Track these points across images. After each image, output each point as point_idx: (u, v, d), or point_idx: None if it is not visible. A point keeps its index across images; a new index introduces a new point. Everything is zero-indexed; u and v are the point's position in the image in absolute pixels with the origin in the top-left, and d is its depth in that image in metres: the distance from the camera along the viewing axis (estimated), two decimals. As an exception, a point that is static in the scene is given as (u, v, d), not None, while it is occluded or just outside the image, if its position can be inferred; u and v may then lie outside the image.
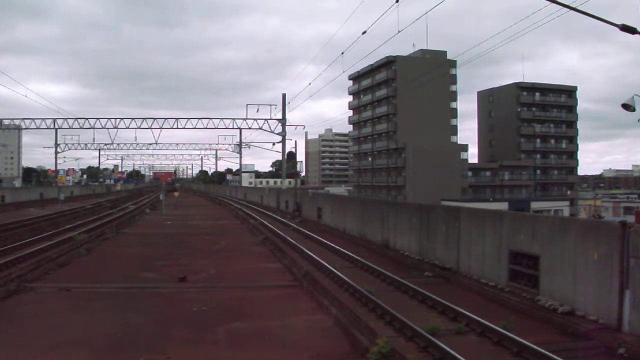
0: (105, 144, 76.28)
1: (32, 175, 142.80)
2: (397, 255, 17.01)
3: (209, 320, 10.21)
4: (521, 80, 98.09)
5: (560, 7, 11.47)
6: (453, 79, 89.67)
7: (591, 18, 10.98)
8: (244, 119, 48.60)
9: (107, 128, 51.93)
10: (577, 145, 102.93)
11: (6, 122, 55.79)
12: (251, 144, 73.37)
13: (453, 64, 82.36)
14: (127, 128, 52.68)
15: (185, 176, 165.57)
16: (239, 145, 73.56)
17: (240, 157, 77.60)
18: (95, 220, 30.05)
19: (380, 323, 9.15)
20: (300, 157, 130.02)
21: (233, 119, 50.73)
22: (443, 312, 9.76)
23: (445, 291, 11.40)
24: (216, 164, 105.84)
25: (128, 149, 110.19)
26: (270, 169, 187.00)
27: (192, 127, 51.46)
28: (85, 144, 75.10)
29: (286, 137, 47.32)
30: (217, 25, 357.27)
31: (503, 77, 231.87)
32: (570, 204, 77.96)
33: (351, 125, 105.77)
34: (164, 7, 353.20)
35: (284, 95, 46.50)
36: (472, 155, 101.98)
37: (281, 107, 46.22)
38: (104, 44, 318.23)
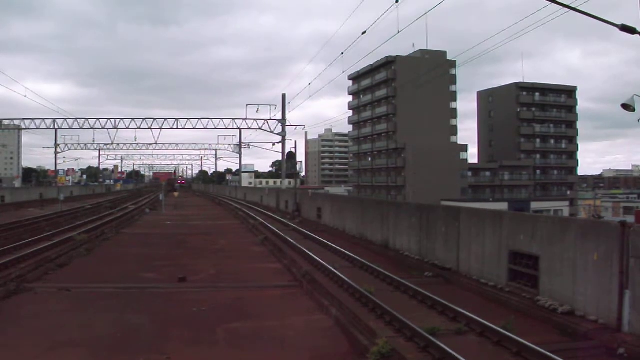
0: (105, 144, 76.42)
1: (32, 176, 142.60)
2: (397, 256, 17.01)
3: (209, 321, 10.21)
4: (522, 79, 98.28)
5: (561, 6, 11.45)
6: (453, 79, 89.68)
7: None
8: (244, 119, 48.65)
9: (107, 128, 51.94)
10: (577, 145, 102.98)
11: (6, 122, 55.78)
12: (251, 144, 73.52)
13: (453, 64, 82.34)
14: (127, 128, 52.77)
15: (185, 176, 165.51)
16: (239, 145, 73.58)
17: (240, 157, 77.69)
18: (95, 220, 30.05)
19: (380, 323, 9.14)
20: (300, 157, 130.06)
21: (233, 119, 50.78)
22: (443, 312, 9.76)
23: (445, 291, 11.41)
24: (216, 164, 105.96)
25: (128, 149, 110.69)
26: (270, 169, 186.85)
27: (191, 127, 51.51)
28: (85, 144, 75.12)
29: (286, 137, 47.37)
30: (213, 23, 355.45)
31: (504, 75, 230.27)
32: (570, 204, 77.93)
33: (351, 126, 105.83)
34: (157, 5, 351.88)
35: (283, 96, 46.49)
36: (472, 155, 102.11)
37: (281, 107, 46.26)
38: (98, 42, 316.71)
